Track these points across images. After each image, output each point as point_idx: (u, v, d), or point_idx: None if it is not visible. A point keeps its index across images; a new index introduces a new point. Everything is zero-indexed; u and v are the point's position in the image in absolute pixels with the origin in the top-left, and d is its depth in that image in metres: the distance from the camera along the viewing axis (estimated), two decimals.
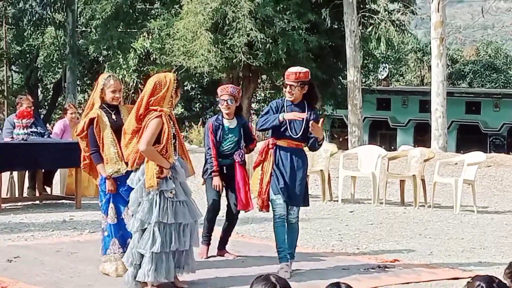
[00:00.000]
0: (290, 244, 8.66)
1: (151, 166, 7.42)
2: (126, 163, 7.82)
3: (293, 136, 8.58)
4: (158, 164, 7.42)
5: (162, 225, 7.44)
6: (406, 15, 34.19)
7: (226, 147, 9.19)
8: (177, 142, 7.80)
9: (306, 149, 8.84)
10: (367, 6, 31.33)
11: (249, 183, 9.22)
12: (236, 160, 9.16)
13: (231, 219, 9.33)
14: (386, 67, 51.43)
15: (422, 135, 38.34)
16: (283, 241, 8.60)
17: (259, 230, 11.46)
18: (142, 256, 7.45)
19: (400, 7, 32.95)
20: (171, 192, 7.49)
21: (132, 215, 7.64)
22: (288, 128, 8.59)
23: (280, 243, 8.61)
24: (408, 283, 8.20)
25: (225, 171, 9.17)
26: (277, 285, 4.16)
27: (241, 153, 9.23)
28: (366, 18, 31.13)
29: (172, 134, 7.63)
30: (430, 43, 30.07)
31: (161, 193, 7.46)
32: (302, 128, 8.56)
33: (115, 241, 8.20)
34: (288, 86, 8.66)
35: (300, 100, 8.66)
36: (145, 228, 7.48)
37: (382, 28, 30.81)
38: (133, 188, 7.60)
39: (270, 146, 8.65)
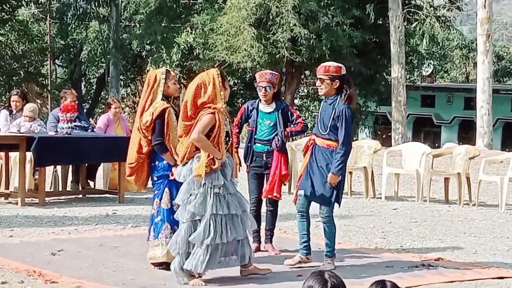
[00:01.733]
0: (326, 242, 8.69)
1: (203, 156, 7.52)
2: None
3: (322, 133, 8.55)
4: (210, 155, 7.51)
5: (218, 216, 7.57)
6: (451, 11, 33.99)
7: (262, 132, 9.17)
8: (229, 141, 7.92)
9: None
10: (412, 2, 31.19)
11: (286, 171, 9.20)
12: (273, 147, 9.14)
13: (269, 210, 9.35)
14: (430, 63, 51.16)
15: (466, 133, 38.15)
16: (302, 236, 8.71)
17: None
18: (188, 245, 7.54)
19: (445, 3, 32.78)
20: (219, 188, 7.55)
21: (180, 206, 7.72)
22: (318, 123, 8.63)
23: (300, 237, 8.76)
24: (452, 281, 8.15)
25: (264, 158, 9.17)
26: (328, 281, 4.16)
27: (278, 140, 9.12)
28: (411, 14, 31.01)
29: (225, 132, 7.71)
30: (476, 39, 29.89)
31: (214, 187, 7.57)
32: (328, 124, 8.47)
33: (167, 225, 8.30)
34: (318, 80, 8.65)
35: (334, 96, 8.57)
36: (196, 220, 7.58)
37: (427, 24, 30.65)
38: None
39: (310, 143, 8.71)
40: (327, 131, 8.48)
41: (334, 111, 8.45)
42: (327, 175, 8.41)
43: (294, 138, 9.26)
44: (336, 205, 8.73)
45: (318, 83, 8.67)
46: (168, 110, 8.34)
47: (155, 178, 8.43)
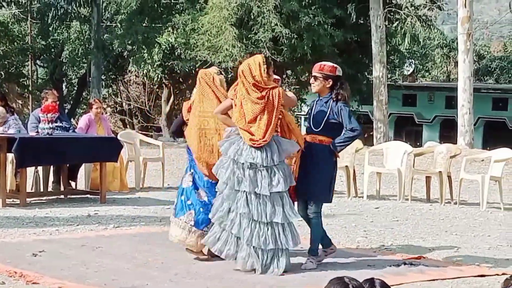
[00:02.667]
0: (311, 239, 8.73)
1: None
2: None
3: (314, 129, 8.59)
4: None
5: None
6: (432, 10, 34.13)
7: None
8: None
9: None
10: (393, 1, 31.30)
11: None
12: None
13: None
14: (412, 62, 51.28)
15: (448, 132, 38.22)
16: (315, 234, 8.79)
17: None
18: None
19: (426, 2, 32.89)
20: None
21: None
22: (311, 120, 8.67)
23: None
24: (434, 280, 8.18)
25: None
26: (349, 285, 4.19)
27: None
28: (392, 14, 31.11)
29: None
30: (456, 38, 30.01)
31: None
32: (323, 122, 8.53)
33: (192, 212, 8.63)
34: (312, 77, 8.76)
35: (328, 94, 8.63)
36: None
37: (408, 23, 30.76)
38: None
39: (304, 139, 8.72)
40: (321, 127, 8.53)
41: (330, 109, 8.51)
42: (320, 171, 8.52)
43: None
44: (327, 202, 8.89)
45: (312, 80, 8.79)
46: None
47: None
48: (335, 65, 8.74)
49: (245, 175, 8.07)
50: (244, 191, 8.05)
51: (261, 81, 8.14)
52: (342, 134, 8.51)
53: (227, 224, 8.12)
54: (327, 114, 8.50)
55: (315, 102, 8.84)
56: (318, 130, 8.54)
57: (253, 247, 8.04)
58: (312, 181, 8.54)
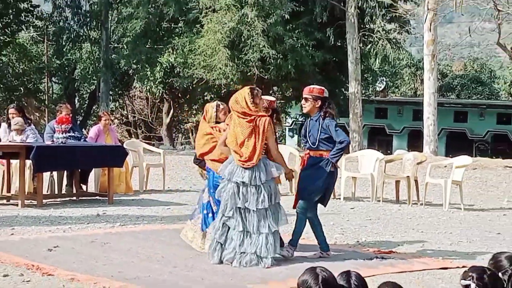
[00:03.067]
0: (294, 231, 8.91)
1: None
2: None
3: (312, 146, 8.79)
4: None
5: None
6: (401, 34, 34.17)
7: None
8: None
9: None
10: (366, 26, 31.32)
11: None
12: None
13: None
14: (383, 80, 51.42)
15: (415, 141, 38.27)
16: (317, 236, 9.04)
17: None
18: None
19: (396, 27, 32.94)
20: None
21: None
22: (307, 138, 8.86)
23: (316, 237, 9.08)
24: (402, 272, 8.19)
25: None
26: (319, 276, 4.20)
27: None
28: (366, 37, 31.14)
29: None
30: (422, 59, 30.04)
31: None
32: (317, 138, 8.71)
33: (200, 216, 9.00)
34: (303, 99, 8.92)
35: (317, 113, 8.80)
36: None
37: (380, 45, 30.81)
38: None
39: (305, 157, 8.96)
40: (317, 143, 8.72)
41: (320, 127, 8.70)
42: (315, 177, 8.68)
43: None
44: (320, 205, 9.03)
45: (303, 101, 8.96)
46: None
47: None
48: (323, 88, 9.00)
49: (239, 193, 8.23)
50: (238, 207, 8.21)
51: (247, 111, 8.26)
52: (334, 147, 8.69)
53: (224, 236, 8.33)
54: (319, 132, 8.70)
55: (308, 122, 8.99)
56: (315, 147, 8.74)
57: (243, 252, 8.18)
58: (307, 184, 8.75)
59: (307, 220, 8.89)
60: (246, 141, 8.23)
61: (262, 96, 8.99)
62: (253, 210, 8.18)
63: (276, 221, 8.30)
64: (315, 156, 8.77)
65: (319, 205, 9.09)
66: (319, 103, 8.78)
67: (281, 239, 8.89)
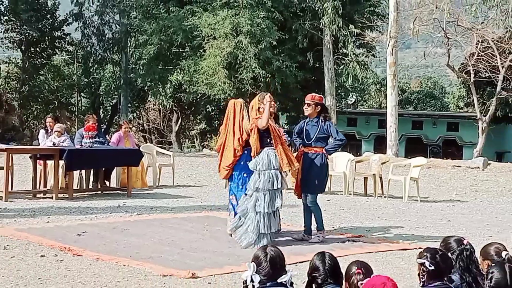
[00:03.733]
0: (315, 221, 8.99)
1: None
2: None
3: (307, 142, 8.87)
4: None
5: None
6: (368, 57, 34.25)
7: None
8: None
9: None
10: (340, 51, 31.34)
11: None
12: None
13: None
14: (354, 95, 51.44)
15: (380, 145, 38.28)
16: (306, 221, 9.04)
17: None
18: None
19: (364, 51, 33.02)
20: None
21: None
22: (304, 135, 8.92)
23: (304, 222, 9.09)
24: (369, 252, 8.20)
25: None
26: (268, 254, 4.21)
27: None
28: (339, 60, 31.18)
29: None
30: (386, 78, 30.09)
31: None
32: (314, 136, 8.82)
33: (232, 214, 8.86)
34: (306, 104, 9.05)
35: (316, 117, 8.92)
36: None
37: (351, 67, 30.85)
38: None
39: (300, 153, 8.99)
40: (312, 141, 8.83)
41: (320, 128, 8.82)
42: (313, 172, 8.78)
43: None
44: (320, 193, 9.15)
45: (305, 106, 9.06)
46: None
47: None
48: (322, 96, 9.15)
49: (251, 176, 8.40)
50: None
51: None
52: (332, 142, 8.98)
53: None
54: (318, 131, 8.84)
55: (305, 123, 9.06)
56: (309, 142, 8.84)
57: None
58: (309, 180, 8.83)
59: (305, 206, 9.00)
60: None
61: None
62: (255, 189, 8.22)
63: (272, 205, 8.27)
64: (310, 152, 8.83)
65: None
66: (319, 108, 8.96)
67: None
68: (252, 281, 4.10)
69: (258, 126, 8.31)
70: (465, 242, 4.71)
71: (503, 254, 4.76)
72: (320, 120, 8.89)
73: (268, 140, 8.41)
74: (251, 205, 8.22)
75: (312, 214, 8.99)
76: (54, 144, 13.20)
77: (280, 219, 9.19)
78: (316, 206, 8.92)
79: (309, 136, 8.85)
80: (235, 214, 8.66)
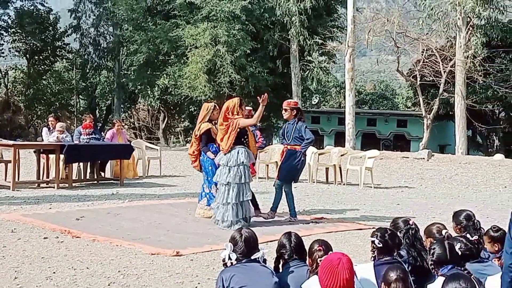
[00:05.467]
0: (273, 201, 9.22)
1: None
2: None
3: (287, 141, 9.08)
4: None
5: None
6: (330, 64, 34.37)
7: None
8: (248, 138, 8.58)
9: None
10: (305, 58, 31.42)
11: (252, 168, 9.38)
12: None
13: None
14: (317, 96, 51.57)
15: (339, 139, 38.47)
16: (275, 200, 9.22)
17: None
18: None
19: (326, 59, 33.12)
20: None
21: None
22: (285, 137, 9.13)
23: (273, 200, 9.27)
24: (329, 232, 8.25)
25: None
26: (243, 235, 4.23)
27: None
28: (305, 66, 31.24)
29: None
30: (345, 81, 30.22)
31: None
32: (291, 136, 8.98)
33: (205, 200, 9.03)
34: (283, 110, 9.24)
35: (293, 119, 9.08)
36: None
37: (314, 72, 30.93)
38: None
39: (284, 150, 9.17)
40: (291, 140, 9.01)
41: (295, 128, 9.00)
42: (288, 164, 8.94)
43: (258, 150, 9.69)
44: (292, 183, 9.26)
45: (283, 111, 9.24)
46: (212, 128, 8.96)
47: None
48: (296, 101, 9.50)
49: (223, 171, 8.37)
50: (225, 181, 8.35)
51: (230, 115, 8.38)
52: (304, 142, 8.98)
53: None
54: (293, 131, 9.00)
55: (286, 125, 9.31)
56: (289, 141, 9.03)
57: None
58: (283, 169, 9.06)
59: (285, 193, 9.11)
60: (226, 137, 8.39)
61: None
62: (222, 184, 8.27)
63: (240, 196, 8.29)
64: (291, 149, 9.02)
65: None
66: (295, 112, 9.13)
67: (258, 205, 9.12)
68: (230, 258, 4.14)
69: (246, 124, 8.43)
70: (410, 222, 4.76)
71: (443, 232, 4.83)
72: (295, 121, 9.04)
73: (243, 139, 8.43)
74: (224, 197, 8.28)
75: (288, 199, 9.11)
76: (55, 140, 13.10)
77: (256, 205, 9.28)
78: (280, 190, 9.11)
79: (288, 136, 9.04)
80: (208, 201, 8.89)
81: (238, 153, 8.33)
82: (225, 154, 8.38)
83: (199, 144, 9.01)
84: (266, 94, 8.68)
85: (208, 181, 8.93)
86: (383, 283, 3.76)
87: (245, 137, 8.49)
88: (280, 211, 9.26)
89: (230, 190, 8.26)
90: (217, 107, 9.13)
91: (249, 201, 8.51)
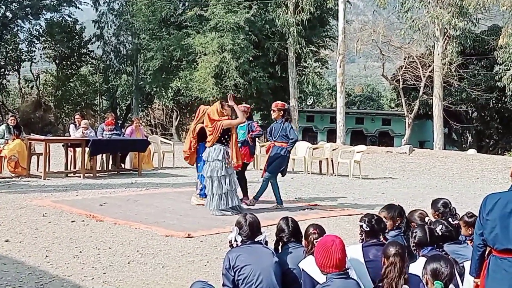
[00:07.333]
0: (258, 191, 9.07)
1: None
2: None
3: (274, 138, 9.00)
4: None
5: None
6: (323, 69, 34.29)
7: (240, 136, 9.18)
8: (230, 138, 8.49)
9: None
10: (301, 64, 31.36)
11: (246, 157, 9.29)
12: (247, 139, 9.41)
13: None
14: (311, 98, 51.44)
15: (331, 136, 38.43)
16: (275, 194, 9.08)
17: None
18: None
19: (319, 64, 33.05)
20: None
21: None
22: (272, 134, 9.05)
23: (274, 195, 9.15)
24: (322, 217, 8.24)
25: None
26: (247, 220, 4.22)
27: (245, 140, 9.35)
28: (301, 70, 31.17)
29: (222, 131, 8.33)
30: (336, 84, 30.15)
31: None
32: (278, 135, 8.91)
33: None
34: (272, 110, 9.18)
35: (280, 119, 9.01)
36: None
37: (310, 76, 30.84)
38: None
39: (270, 146, 9.12)
40: (277, 137, 8.94)
41: (282, 127, 8.92)
42: (275, 159, 8.87)
43: (254, 140, 9.58)
44: (279, 175, 9.15)
45: (272, 111, 9.18)
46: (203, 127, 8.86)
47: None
48: (284, 103, 9.35)
49: (205, 166, 8.34)
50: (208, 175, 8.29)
51: (215, 117, 8.29)
52: (289, 141, 8.92)
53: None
54: (280, 130, 8.93)
55: (273, 125, 9.20)
56: (275, 138, 8.95)
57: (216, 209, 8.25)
58: (270, 163, 8.95)
59: (271, 184, 8.95)
60: (211, 136, 8.34)
61: (243, 105, 9.14)
62: (208, 177, 8.19)
63: (222, 187, 8.17)
64: (277, 146, 8.92)
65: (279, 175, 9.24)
66: (282, 112, 9.02)
67: (247, 193, 9.09)
68: (236, 240, 4.14)
69: (231, 124, 8.33)
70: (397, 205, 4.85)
71: (426, 219, 4.83)
72: (283, 121, 8.97)
73: (225, 138, 8.37)
74: (208, 188, 8.28)
75: (274, 189, 9.01)
76: (81, 135, 13.11)
77: (245, 193, 9.27)
78: (266, 182, 8.99)
79: (275, 134, 8.96)
80: (200, 191, 8.93)
81: (215, 150, 8.27)
82: (208, 149, 8.38)
83: (196, 142, 8.96)
84: (231, 94, 8.61)
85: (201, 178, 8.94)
86: (383, 256, 3.76)
87: (226, 136, 8.39)
88: (267, 197, 9.22)
89: (213, 182, 8.19)
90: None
91: (234, 192, 8.28)
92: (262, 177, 9.09)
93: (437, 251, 4.05)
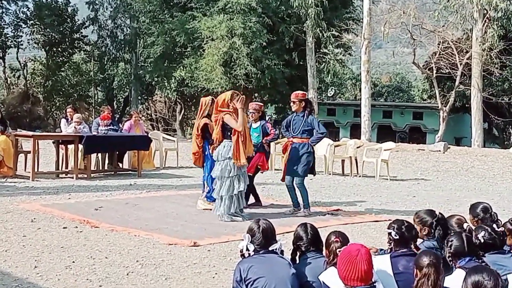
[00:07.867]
0: (302, 199, 8.98)
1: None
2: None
3: (294, 134, 8.89)
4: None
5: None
6: (345, 56, 34.18)
7: (253, 140, 9.13)
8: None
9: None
10: (321, 50, 31.25)
11: (263, 163, 9.34)
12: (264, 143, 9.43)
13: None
14: (333, 88, 51.36)
15: (355, 131, 38.35)
16: (292, 198, 9.03)
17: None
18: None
19: (342, 51, 32.92)
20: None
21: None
22: (291, 129, 8.94)
23: (291, 199, 9.08)
24: (345, 224, 8.24)
25: (253, 155, 9.11)
26: (260, 226, 4.22)
27: (265, 141, 9.39)
28: (321, 57, 31.10)
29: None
30: (360, 73, 30.06)
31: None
32: (300, 129, 8.83)
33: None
34: (292, 102, 9.05)
35: (302, 111, 8.92)
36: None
37: (330, 64, 30.79)
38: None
39: (288, 143, 9.00)
40: (299, 132, 8.83)
41: (305, 121, 8.81)
42: (300, 159, 8.77)
43: (269, 143, 9.57)
44: (310, 175, 9.18)
45: (292, 103, 9.06)
46: (209, 124, 8.87)
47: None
48: (304, 92, 9.31)
49: (216, 166, 8.40)
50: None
51: (222, 108, 8.28)
52: (315, 135, 8.86)
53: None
54: (302, 124, 8.84)
55: (292, 117, 9.09)
56: (297, 133, 8.86)
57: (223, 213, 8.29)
58: (297, 165, 8.84)
59: (290, 187, 9.00)
60: (214, 131, 8.45)
61: (253, 102, 9.15)
62: (218, 177, 8.22)
63: (229, 190, 8.21)
64: (298, 142, 8.83)
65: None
66: (303, 103, 8.95)
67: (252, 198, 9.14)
68: (247, 249, 4.12)
69: (230, 123, 8.25)
70: (437, 213, 4.78)
71: (465, 225, 4.81)
72: (305, 114, 8.87)
73: (229, 133, 8.34)
74: (216, 191, 8.26)
75: (298, 193, 9.02)
76: (74, 131, 13.16)
77: (256, 198, 9.31)
78: (303, 187, 8.94)
79: (296, 129, 8.87)
80: (207, 194, 8.97)
81: (224, 147, 8.27)
82: (216, 149, 8.38)
83: (201, 142, 8.96)
84: (243, 96, 8.54)
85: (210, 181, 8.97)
86: (415, 267, 3.74)
87: (229, 133, 8.33)
88: (284, 201, 9.23)
89: (224, 183, 8.20)
90: (215, 100, 9.04)
91: (241, 194, 8.32)
92: (282, 180, 9.04)
93: (476, 262, 4.02)
